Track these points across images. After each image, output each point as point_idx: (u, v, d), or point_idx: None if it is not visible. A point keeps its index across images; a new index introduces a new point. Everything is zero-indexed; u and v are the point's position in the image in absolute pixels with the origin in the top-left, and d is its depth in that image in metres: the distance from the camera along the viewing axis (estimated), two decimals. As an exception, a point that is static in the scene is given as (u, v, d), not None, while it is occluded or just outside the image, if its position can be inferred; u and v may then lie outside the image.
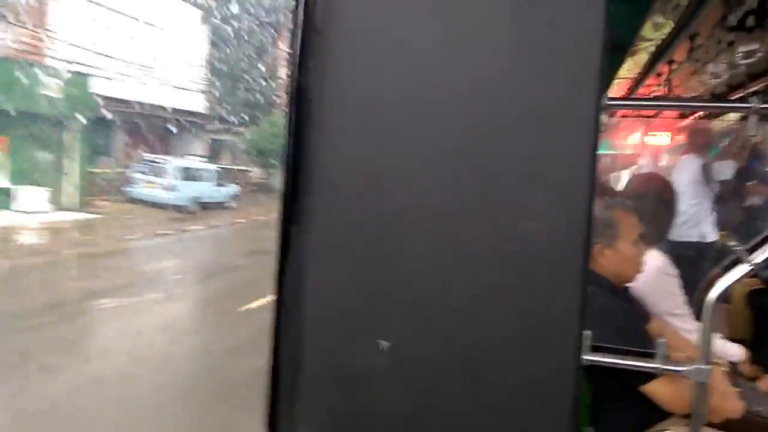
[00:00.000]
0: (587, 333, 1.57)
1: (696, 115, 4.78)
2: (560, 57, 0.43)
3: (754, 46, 2.81)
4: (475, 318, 0.50)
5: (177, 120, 20.10)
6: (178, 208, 16.64)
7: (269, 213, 16.82)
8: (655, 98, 3.89)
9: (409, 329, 0.51)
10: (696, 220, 3.80)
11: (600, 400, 1.62)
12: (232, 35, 22.68)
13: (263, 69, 23.84)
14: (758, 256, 1.38)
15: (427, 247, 0.50)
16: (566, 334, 0.46)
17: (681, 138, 4.80)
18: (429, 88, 0.46)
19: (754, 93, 4.48)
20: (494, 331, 0.48)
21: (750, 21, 2.45)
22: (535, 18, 0.43)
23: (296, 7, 0.46)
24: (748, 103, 1.34)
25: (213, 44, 22.37)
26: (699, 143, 3.93)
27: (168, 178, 16.97)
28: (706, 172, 3.95)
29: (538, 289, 0.50)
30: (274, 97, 24.13)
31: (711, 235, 3.80)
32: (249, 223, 16.86)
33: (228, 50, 22.80)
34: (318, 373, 0.53)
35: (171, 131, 20.24)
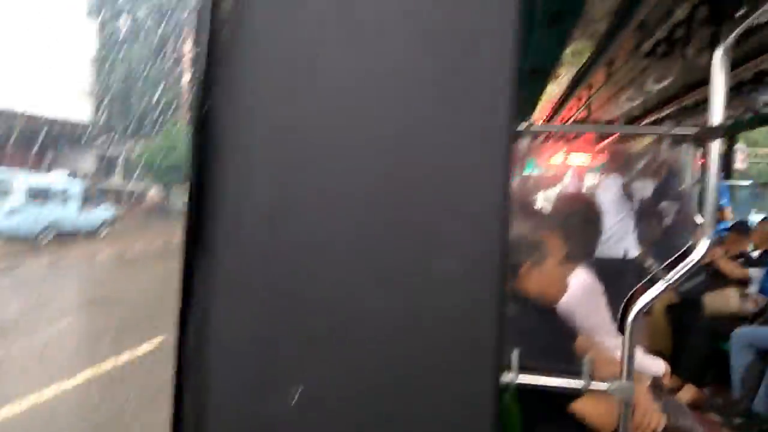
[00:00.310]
0: (515, 353, 1.58)
1: (614, 136, 5.03)
2: (472, 85, 0.41)
3: (665, 72, 2.99)
4: (392, 352, 0.47)
5: (56, 131, 17.09)
6: (17, 238, 12.64)
7: (157, 241, 13.86)
8: (572, 124, 4.07)
9: (325, 369, 0.48)
10: (619, 237, 3.96)
11: (530, 420, 1.62)
12: (127, 32, 19.67)
13: (162, 72, 20.59)
14: (674, 275, 1.43)
15: (341, 280, 0.46)
16: (483, 360, 0.44)
17: (602, 158, 5.03)
18: (340, 115, 0.44)
19: (667, 116, 4.79)
20: (412, 363, 0.45)
21: (661, 49, 2.61)
22: (446, 46, 0.41)
23: (201, 15, 0.43)
24: (660, 127, 1.41)
25: (104, 43, 19.40)
26: (619, 163, 4.13)
27: (11, 198, 13.00)
28: (627, 190, 4.14)
29: (454, 320, 0.47)
30: (173, 106, 20.79)
31: (633, 251, 3.98)
32: (120, 256, 12.74)
33: (121, 50, 19.75)
34: (228, 428, 0.48)
35: (47, 144, 16.73)
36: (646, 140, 4.26)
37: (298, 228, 0.45)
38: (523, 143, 1.59)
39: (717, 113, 1.40)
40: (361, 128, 0.44)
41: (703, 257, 1.44)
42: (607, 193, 4.12)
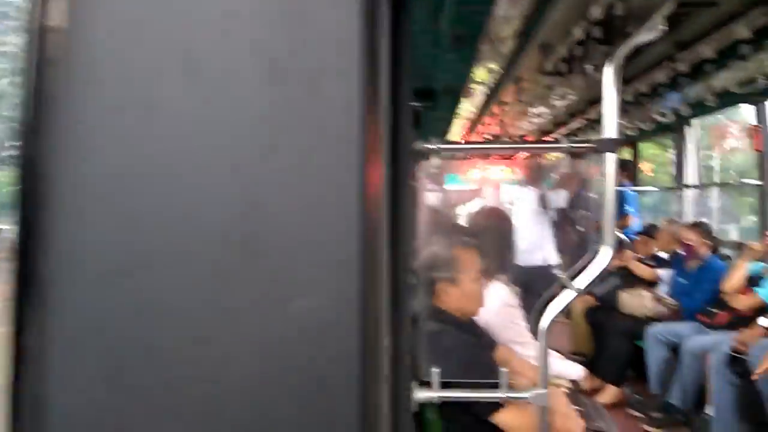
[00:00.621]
0: (436, 370, 1.59)
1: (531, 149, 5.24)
2: (322, 121, 0.41)
3: (567, 90, 3.15)
4: (253, 409, 0.44)
5: None
6: None
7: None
8: (475, 143, 4.19)
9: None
10: (538, 246, 4.12)
11: (455, 436, 1.64)
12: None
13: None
14: (581, 283, 1.49)
15: (194, 333, 0.43)
16: (345, 411, 0.43)
17: (519, 171, 5.23)
18: (185, 159, 0.41)
19: (578, 128, 5.06)
20: (275, 418, 0.43)
21: (562, 67, 2.75)
22: (294, 82, 0.40)
23: (27, 56, 0.40)
24: (559, 143, 1.48)
25: None
26: (534, 176, 4.30)
27: None
28: (543, 201, 4.31)
29: (311, 374, 0.45)
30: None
31: (552, 258, 4.14)
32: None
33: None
34: None
35: None
36: (558, 153, 4.48)
37: (142, 281, 0.42)
38: (434, 162, 1.61)
39: (610, 126, 1.47)
40: (208, 176, 0.41)
41: (606, 264, 1.50)
42: (525, 204, 4.28)
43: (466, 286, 1.74)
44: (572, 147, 1.61)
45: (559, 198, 4.34)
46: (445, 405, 1.58)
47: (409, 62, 1.16)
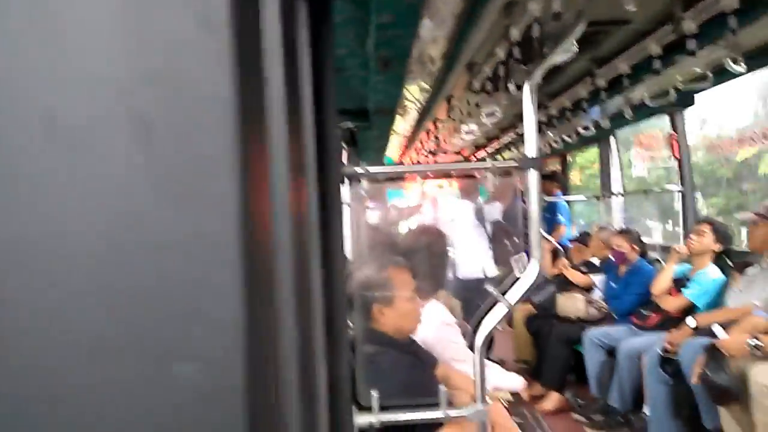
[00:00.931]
0: (375, 394, 1.57)
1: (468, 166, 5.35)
2: (194, 179, 0.40)
3: (494, 107, 3.24)
4: None
5: None
6: None
7: None
8: (400, 165, 4.21)
9: None
10: (477, 259, 4.19)
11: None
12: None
13: None
14: (512, 297, 1.52)
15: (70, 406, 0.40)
16: None
17: (456, 186, 5.33)
18: (46, 228, 0.39)
19: (510, 142, 5.21)
20: None
21: (488, 86, 2.83)
22: (162, 141, 0.39)
23: None
24: (485, 162, 1.52)
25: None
26: (469, 189, 4.39)
27: None
28: (479, 214, 4.40)
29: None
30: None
31: (491, 270, 4.22)
32: None
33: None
34: None
35: None
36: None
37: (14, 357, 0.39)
38: (364, 185, 1.62)
39: (531, 145, 1.52)
40: (84, 241, 0.39)
41: (535, 277, 1.53)
42: (462, 218, 4.36)
43: (402, 305, 1.74)
44: (496, 167, 1.65)
45: (494, 210, 4.45)
46: (387, 428, 1.57)
47: (332, 86, 1.16)
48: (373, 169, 1.56)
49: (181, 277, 0.39)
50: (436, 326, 1.94)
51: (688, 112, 3.83)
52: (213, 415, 0.40)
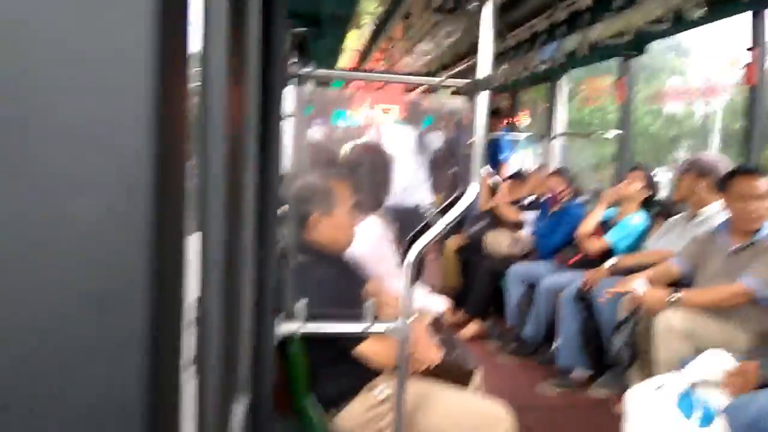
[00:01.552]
0: (302, 302, 1.56)
1: (418, 89, 5.26)
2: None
3: (455, 28, 3.15)
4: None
5: None
6: None
7: None
8: (349, 71, 4.11)
9: None
10: (414, 187, 4.21)
11: (319, 367, 1.65)
12: None
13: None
14: (447, 219, 1.52)
15: None
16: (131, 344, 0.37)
17: (404, 111, 5.25)
18: None
19: (464, 71, 5.14)
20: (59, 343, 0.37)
21: (449, 3, 2.73)
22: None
23: None
24: (432, 78, 1.47)
25: None
26: (413, 116, 4.34)
27: None
28: (420, 142, 4.37)
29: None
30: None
31: (428, 199, 4.26)
32: None
33: None
34: None
35: None
36: (441, 94, 4.54)
37: None
38: (310, 88, 1.54)
39: (484, 67, 1.47)
40: None
41: (472, 200, 1.53)
42: (404, 144, 4.32)
43: (339, 219, 1.71)
44: (445, 83, 1.60)
45: (437, 139, 4.43)
46: (311, 338, 1.58)
47: None
48: (319, 71, 1.47)
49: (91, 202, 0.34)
50: (372, 240, 1.93)
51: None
52: (111, 320, 0.36)
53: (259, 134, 1.20)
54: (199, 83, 0.75)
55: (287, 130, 1.94)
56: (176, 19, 0.40)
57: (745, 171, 2.41)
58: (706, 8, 2.20)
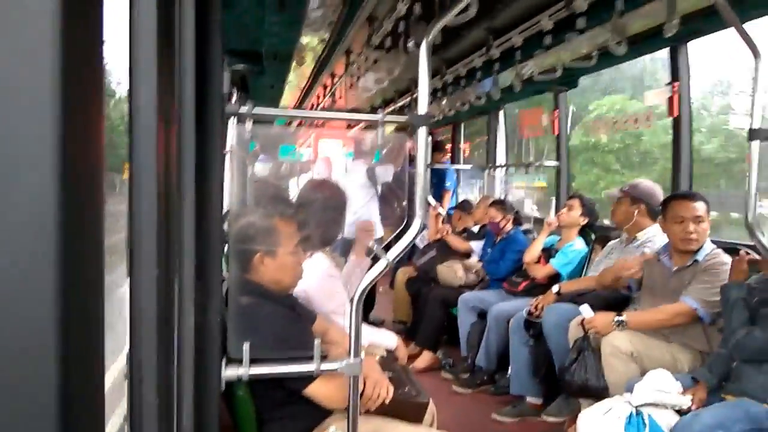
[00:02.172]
0: (246, 345, 1.51)
1: (361, 125, 5.32)
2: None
3: (394, 65, 3.22)
4: None
5: None
6: None
7: None
8: (291, 109, 4.12)
9: None
10: (366, 219, 4.21)
11: (266, 411, 1.60)
12: None
13: None
14: (392, 254, 1.52)
15: None
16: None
17: (350, 145, 5.29)
18: None
19: (406, 106, 5.24)
20: None
21: (388, 42, 2.79)
22: None
23: None
24: (374, 114, 1.48)
25: None
26: (363, 150, 4.38)
27: None
28: (371, 175, 4.41)
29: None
30: None
31: (379, 231, 4.27)
32: None
33: None
34: None
35: None
36: (388, 128, 4.58)
37: None
38: (248, 126, 1.52)
39: (422, 103, 1.50)
40: None
41: (416, 234, 1.53)
42: (354, 177, 4.34)
43: (284, 258, 1.69)
44: (387, 120, 1.62)
45: (387, 172, 4.47)
46: (257, 381, 1.53)
47: (218, 23, 1.04)
48: (259, 109, 1.47)
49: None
50: (319, 277, 1.90)
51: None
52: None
53: (197, 172, 1.18)
54: (128, 117, 0.73)
55: (228, 167, 1.91)
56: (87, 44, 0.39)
57: (682, 196, 2.53)
58: (627, 46, 2.34)
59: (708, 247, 2.42)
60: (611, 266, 2.71)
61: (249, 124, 1.48)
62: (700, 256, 2.41)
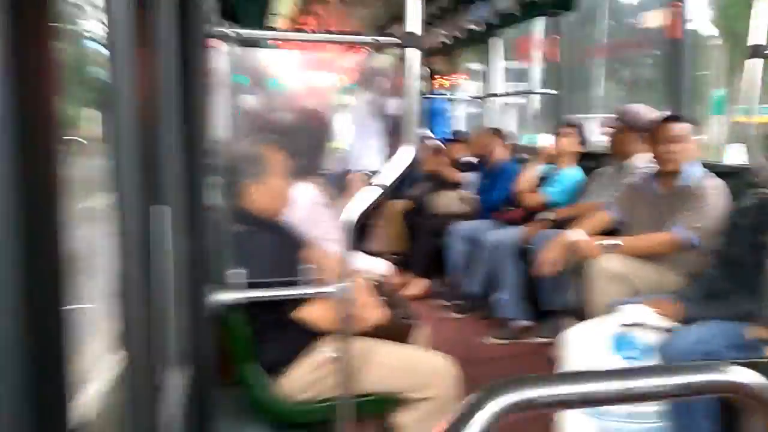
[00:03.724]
0: (242, 271, 1.53)
1: (360, 54, 5.18)
2: None
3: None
4: None
5: None
6: None
7: None
8: (279, 31, 3.96)
9: None
10: (375, 151, 4.15)
11: (261, 333, 1.64)
12: None
13: None
14: (385, 180, 1.51)
15: None
16: None
17: (349, 77, 5.17)
18: None
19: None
20: None
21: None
22: None
23: None
24: (364, 36, 1.44)
25: None
26: (365, 80, 4.26)
27: None
28: (375, 107, 4.31)
29: None
30: None
31: (378, 165, 4.23)
32: None
33: None
34: None
35: None
36: (390, 58, 4.45)
37: None
38: (237, 50, 1.48)
39: (412, 21, 1.45)
40: None
41: (408, 161, 1.52)
42: (355, 110, 4.26)
43: (273, 185, 1.69)
44: (376, 41, 1.58)
45: (392, 105, 4.35)
46: (251, 306, 1.56)
47: None
48: (246, 31, 1.42)
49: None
50: (306, 206, 1.91)
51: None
52: None
53: (181, 98, 1.16)
54: (105, 39, 0.71)
55: (217, 95, 1.88)
56: None
57: (670, 118, 2.50)
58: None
59: (697, 170, 2.41)
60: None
61: (237, 49, 1.45)
62: (688, 180, 2.40)
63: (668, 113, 2.72)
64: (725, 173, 2.44)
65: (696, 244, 2.30)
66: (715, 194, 2.31)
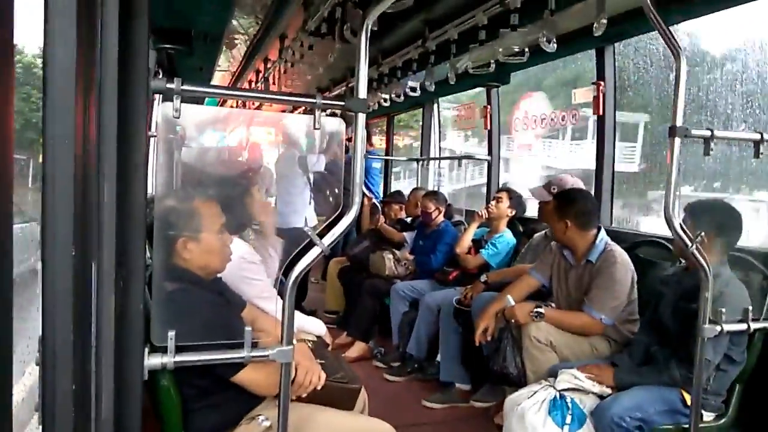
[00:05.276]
0: (171, 334, 1.45)
1: (297, 111, 5.23)
2: None
3: (329, 52, 3.17)
4: None
5: None
6: None
7: None
8: (229, 87, 3.96)
9: None
10: (300, 208, 4.12)
11: (191, 400, 1.54)
12: None
13: None
14: (327, 241, 1.50)
15: None
16: None
17: (281, 133, 5.18)
18: None
19: (341, 95, 5.19)
20: None
21: (324, 28, 2.75)
22: None
23: None
24: (310, 98, 1.45)
25: None
26: (292, 138, 4.28)
27: None
28: (302, 164, 4.33)
29: None
30: None
31: (312, 220, 4.20)
32: None
33: None
34: None
35: None
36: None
37: None
38: (176, 105, 1.45)
39: (361, 88, 1.49)
40: None
41: (351, 221, 1.52)
42: (285, 166, 4.25)
43: (209, 241, 1.63)
44: (324, 103, 1.59)
45: (319, 162, 4.40)
46: (182, 370, 1.47)
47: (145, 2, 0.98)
48: (187, 87, 1.40)
49: None
50: (238, 264, 1.84)
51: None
52: None
53: (119, 151, 1.12)
54: (42, 90, 0.68)
55: (153, 149, 1.83)
56: None
57: (560, 194, 2.64)
58: (557, 44, 2.41)
59: (600, 246, 2.46)
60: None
61: (177, 102, 1.42)
62: (593, 256, 2.45)
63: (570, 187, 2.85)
64: (642, 243, 2.56)
65: (608, 324, 2.35)
66: (620, 268, 2.37)
